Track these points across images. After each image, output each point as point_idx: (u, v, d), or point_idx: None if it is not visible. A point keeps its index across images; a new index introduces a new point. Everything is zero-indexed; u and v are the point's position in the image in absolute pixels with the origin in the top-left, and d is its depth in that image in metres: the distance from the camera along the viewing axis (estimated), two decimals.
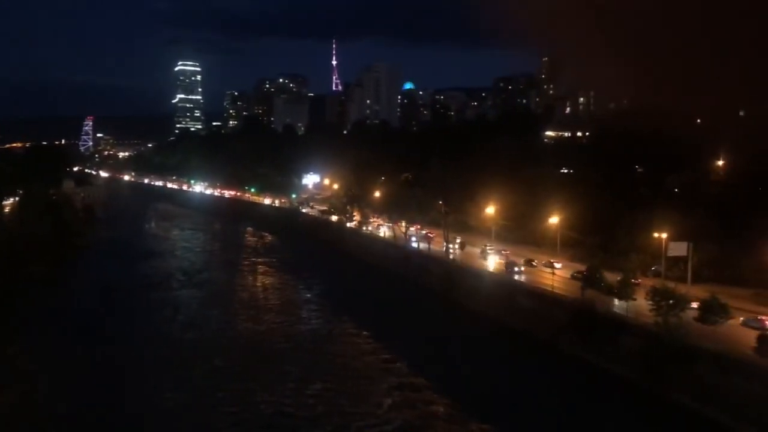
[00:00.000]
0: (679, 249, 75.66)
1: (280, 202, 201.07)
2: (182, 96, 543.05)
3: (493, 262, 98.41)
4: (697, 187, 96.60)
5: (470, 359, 68.72)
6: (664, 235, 77.60)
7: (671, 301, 61.62)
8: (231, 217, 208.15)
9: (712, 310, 60.77)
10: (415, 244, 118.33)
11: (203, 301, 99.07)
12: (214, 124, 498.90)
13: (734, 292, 69.47)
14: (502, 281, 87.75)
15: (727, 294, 65.57)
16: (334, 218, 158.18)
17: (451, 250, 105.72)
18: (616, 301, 70.18)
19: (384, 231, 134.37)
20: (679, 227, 78.06)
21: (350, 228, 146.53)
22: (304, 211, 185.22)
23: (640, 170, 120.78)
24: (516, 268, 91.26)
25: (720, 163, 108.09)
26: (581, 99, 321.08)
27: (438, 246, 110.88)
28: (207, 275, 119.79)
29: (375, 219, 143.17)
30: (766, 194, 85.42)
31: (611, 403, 57.45)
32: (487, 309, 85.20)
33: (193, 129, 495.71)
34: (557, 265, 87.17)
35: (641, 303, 67.88)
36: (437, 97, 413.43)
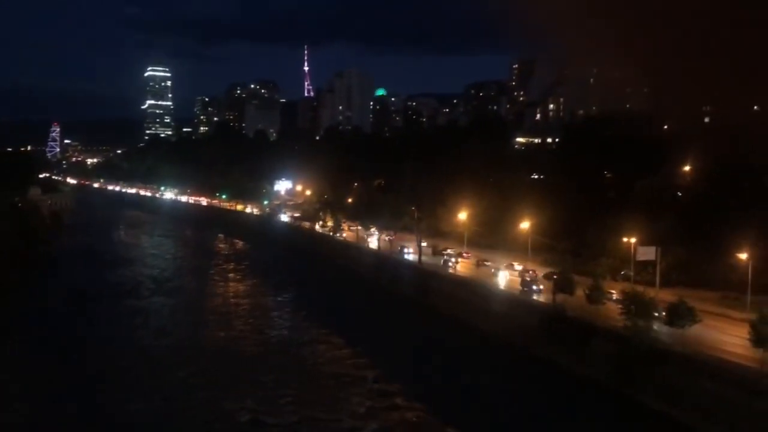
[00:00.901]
0: (648, 253, 76.90)
1: (260, 210, 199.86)
2: (152, 102, 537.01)
3: (503, 279, 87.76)
4: (666, 191, 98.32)
5: (444, 364, 68.86)
6: (633, 240, 78.82)
7: (641, 305, 62.58)
8: (202, 223, 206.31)
9: (680, 314, 61.79)
10: (408, 256, 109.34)
11: (174, 308, 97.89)
12: (185, 130, 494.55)
13: (702, 295, 70.82)
14: (476, 287, 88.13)
15: (694, 297, 66.78)
16: (307, 224, 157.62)
17: (450, 262, 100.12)
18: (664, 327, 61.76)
19: (372, 242, 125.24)
20: (647, 231, 79.36)
21: (324, 234, 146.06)
22: (276, 217, 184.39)
23: (609, 175, 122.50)
24: (535, 287, 79.66)
25: (687, 168, 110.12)
26: (551, 106, 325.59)
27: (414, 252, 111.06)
28: (178, 282, 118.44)
29: (345, 224, 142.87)
30: (732, 199, 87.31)
31: (582, 405, 58.00)
32: (460, 314, 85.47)
33: (163, 135, 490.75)
34: (518, 267, 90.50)
35: (611, 306, 68.95)
36: (409, 103, 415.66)
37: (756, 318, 55.05)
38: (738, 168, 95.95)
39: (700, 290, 73.57)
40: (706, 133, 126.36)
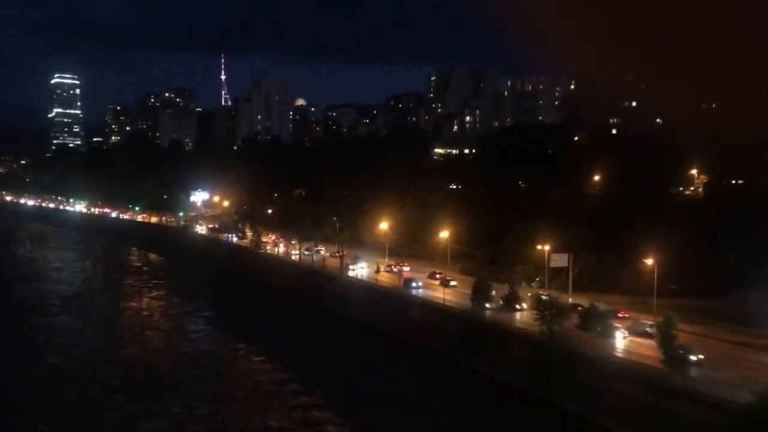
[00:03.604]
0: (561, 260, 79.39)
1: (167, 221, 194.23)
2: (59, 110, 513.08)
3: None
4: (577, 200, 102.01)
5: (364, 375, 68.56)
6: (547, 247, 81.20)
7: (554, 311, 64.42)
8: (114, 236, 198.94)
9: (592, 318, 64.03)
10: (416, 291, 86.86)
11: (83, 325, 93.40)
12: (95, 139, 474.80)
13: (611, 300, 73.73)
14: (396, 295, 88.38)
15: (605, 301, 69.52)
16: (224, 236, 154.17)
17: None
18: None
19: (358, 272, 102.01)
20: (560, 239, 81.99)
21: (243, 246, 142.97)
22: (192, 229, 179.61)
23: (523, 185, 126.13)
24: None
25: (597, 177, 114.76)
26: (467, 117, 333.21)
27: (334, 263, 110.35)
28: (87, 298, 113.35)
29: (268, 236, 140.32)
30: (637, 207, 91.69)
31: (499, 410, 58.97)
32: (380, 324, 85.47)
33: (72, 145, 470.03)
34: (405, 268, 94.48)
35: (526, 312, 70.72)
36: (329, 113, 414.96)
37: (661, 321, 57.67)
38: (643, 177, 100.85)
39: (610, 295, 76.55)
40: (614, 144, 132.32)
